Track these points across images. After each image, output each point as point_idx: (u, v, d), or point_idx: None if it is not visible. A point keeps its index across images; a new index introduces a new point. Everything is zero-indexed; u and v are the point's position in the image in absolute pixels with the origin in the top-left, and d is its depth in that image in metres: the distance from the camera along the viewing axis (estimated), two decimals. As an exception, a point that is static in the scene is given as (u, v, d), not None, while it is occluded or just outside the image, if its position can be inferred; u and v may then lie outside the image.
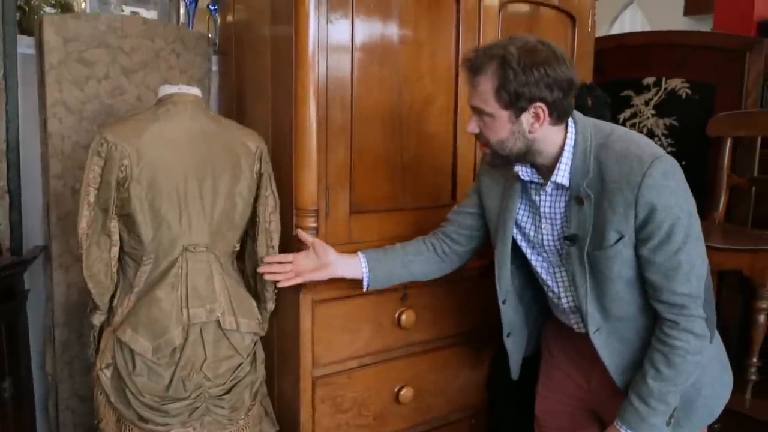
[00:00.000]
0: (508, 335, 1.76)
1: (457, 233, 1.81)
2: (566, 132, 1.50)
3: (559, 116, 1.46)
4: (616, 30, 5.62)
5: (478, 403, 2.24)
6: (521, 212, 1.63)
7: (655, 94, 2.75)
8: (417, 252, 1.80)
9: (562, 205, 1.54)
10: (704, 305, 1.48)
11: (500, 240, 1.66)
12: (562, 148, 1.50)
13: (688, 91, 2.66)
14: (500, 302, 1.71)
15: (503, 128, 1.47)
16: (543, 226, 1.59)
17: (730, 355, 2.32)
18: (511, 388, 2.06)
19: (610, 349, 1.56)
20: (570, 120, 1.51)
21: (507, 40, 1.46)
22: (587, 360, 1.63)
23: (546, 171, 1.54)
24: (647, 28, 5.26)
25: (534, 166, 1.55)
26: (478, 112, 1.50)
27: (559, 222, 1.56)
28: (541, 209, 1.58)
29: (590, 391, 1.67)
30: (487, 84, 1.44)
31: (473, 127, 1.53)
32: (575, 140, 1.49)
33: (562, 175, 1.50)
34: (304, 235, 1.77)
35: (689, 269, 1.44)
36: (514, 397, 2.04)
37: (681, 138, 2.70)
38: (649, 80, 2.77)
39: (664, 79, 2.73)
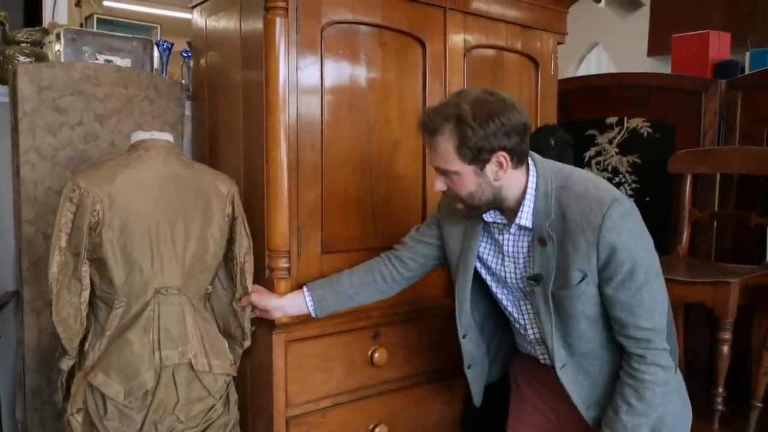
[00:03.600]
0: (469, 367, 1.80)
1: (411, 260, 1.83)
2: (527, 175, 1.55)
3: (519, 160, 1.52)
4: (582, 70, 5.80)
5: (453, 439, 2.25)
6: (484, 248, 1.68)
7: (618, 133, 2.84)
8: (363, 284, 1.82)
9: (525, 245, 1.58)
10: (667, 338, 1.53)
11: (461, 277, 1.70)
12: (524, 191, 1.54)
13: (649, 130, 2.75)
14: (460, 337, 1.75)
15: (470, 182, 1.51)
16: (506, 264, 1.63)
17: (699, 386, 2.37)
18: (485, 424, 2.08)
19: (577, 385, 1.59)
20: (530, 162, 1.56)
21: (456, 97, 1.50)
22: (554, 394, 1.66)
23: (509, 213, 1.58)
24: (612, 69, 5.42)
25: (498, 208, 1.60)
26: (442, 172, 1.53)
27: (522, 261, 1.60)
28: (505, 248, 1.62)
29: (559, 424, 1.69)
30: (446, 144, 1.48)
31: (440, 185, 1.56)
32: (536, 183, 1.54)
33: (525, 217, 1.54)
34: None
35: (652, 305, 1.49)
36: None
37: (644, 175, 2.78)
38: (612, 119, 2.86)
39: (626, 118, 2.82)
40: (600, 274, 1.48)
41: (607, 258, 1.46)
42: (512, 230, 1.59)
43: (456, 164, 1.49)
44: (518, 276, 1.61)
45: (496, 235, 1.63)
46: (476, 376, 1.82)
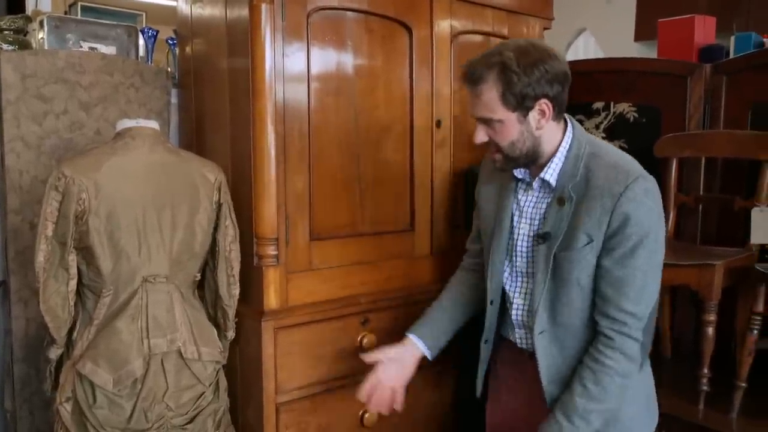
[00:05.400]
0: (486, 341, 1.77)
1: (476, 263, 1.85)
2: (564, 133, 1.56)
3: (559, 110, 1.53)
4: (570, 56, 5.79)
5: (444, 423, 2.26)
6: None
7: (605, 118, 2.85)
8: (454, 301, 1.85)
9: (544, 205, 1.59)
10: (644, 331, 1.52)
11: (497, 235, 1.67)
12: (557, 148, 1.55)
13: (635, 115, 2.76)
14: (488, 302, 1.72)
15: (513, 130, 1.51)
16: (522, 226, 1.63)
17: (685, 368, 2.40)
18: (478, 408, 2.09)
19: (548, 356, 1.58)
20: (569, 123, 1.58)
21: (500, 46, 1.51)
22: (528, 380, 1.65)
23: (538, 171, 1.59)
24: (600, 54, 5.43)
25: (530, 164, 1.60)
26: (485, 121, 1.53)
27: (537, 222, 1.60)
28: (524, 207, 1.63)
29: (532, 405, 1.68)
30: (490, 92, 1.48)
31: (482, 136, 1.55)
32: (570, 144, 1.56)
33: (551, 174, 1.55)
34: (371, 357, 1.78)
35: (642, 289, 1.48)
36: (482, 417, 2.07)
37: (630, 159, 2.79)
38: (599, 105, 2.86)
39: (612, 103, 2.82)
40: (605, 244, 1.48)
41: (617, 227, 1.45)
42: (535, 185, 1.60)
43: (500, 112, 1.49)
44: (531, 237, 1.61)
45: (520, 195, 1.64)
46: (487, 355, 1.79)
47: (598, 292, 1.52)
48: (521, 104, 1.48)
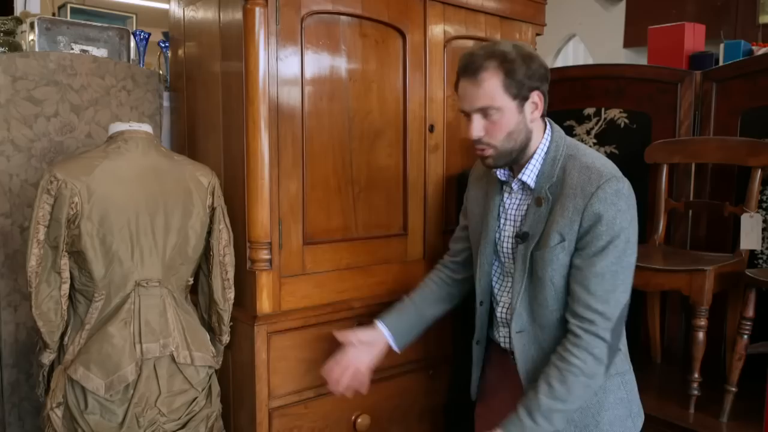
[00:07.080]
0: (477, 342, 1.77)
1: (452, 262, 1.87)
2: (543, 134, 1.60)
3: (545, 107, 1.58)
4: (560, 61, 5.83)
5: (436, 426, 2.26)
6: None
7: (596, 124, 2.86)
8: (423, 297, 1.85)
9: (525, 207, 1.62)
10: (612, 332, 1.51)
11: (483, 238, 1.69)
12: (536, 150, 1.59)
13: (626, 121, 2.78)
14: (477, 303, 1.73)
15: (512, 119, 1.54)
16: (506, 228, 1.66)
17: (675, 372, 2.42)
18: (469, 410, 2.09)
19: (527, 355, 1.60)
20: (548, 126, 1.61)
21: (493, 42, 1.58)
22: (513, 382, 1.65)
23: (517, 172, 1.62)
24: (589, 60, 5.46)
25: (512, 165, 1.63)
26: (483, 112, 1.54)
27: (519, 222, 1.63)
28: (508, 209, 1.65)
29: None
30: (492, 79, 1.51)
31: (478, 130, 1.55)
32: (548, 146, 1.59)
33: (528, 175, 1.58)
34: (342, 336, 1.78)
35: (611, 289, 1.48)
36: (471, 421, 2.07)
37: (621, 165, 2.76)
38: (590, 110, 2.88)
39: (603, 109, 2.84)
40: (577, 243, 1.50)
41: (588, 227, 1.48)
42: (514, 186, 1.63)
43: (501, 99, 1.52)
44: (513, 237, 1.63)
45: (505, 198, 1.67)
46: (479, 356, 1.79)
47: (569, 291, 1.53)
48: (520, 93, 1.52)
